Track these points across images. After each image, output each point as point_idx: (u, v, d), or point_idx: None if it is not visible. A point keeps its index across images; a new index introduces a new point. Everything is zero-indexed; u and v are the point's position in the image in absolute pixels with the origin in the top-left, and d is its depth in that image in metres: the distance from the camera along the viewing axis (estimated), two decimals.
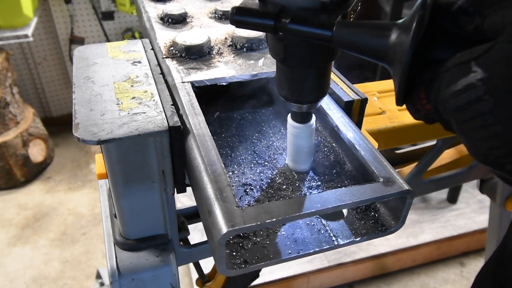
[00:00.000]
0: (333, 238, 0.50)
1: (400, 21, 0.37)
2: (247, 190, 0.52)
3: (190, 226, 0.70)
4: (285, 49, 0.44)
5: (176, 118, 0.52)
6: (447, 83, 0.33)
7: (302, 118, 0.51)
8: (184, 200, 2.04)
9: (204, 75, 0.61)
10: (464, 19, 0.34)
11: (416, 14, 0.33)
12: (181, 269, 2.09)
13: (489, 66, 0.30)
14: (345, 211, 0.54)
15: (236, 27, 0.44)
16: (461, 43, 0.34)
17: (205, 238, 0.56)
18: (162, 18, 0.76)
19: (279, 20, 0.41)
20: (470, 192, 2.46)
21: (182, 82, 0.59)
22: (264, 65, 0.64)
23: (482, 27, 0.32)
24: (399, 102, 0.38)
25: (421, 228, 2.22)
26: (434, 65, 0.35)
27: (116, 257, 0.59)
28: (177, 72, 0.61)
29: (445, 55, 0.35)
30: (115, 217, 0.61)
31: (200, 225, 0.58)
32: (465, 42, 0.34)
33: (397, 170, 0.77)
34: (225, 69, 0.63)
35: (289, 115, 0.52)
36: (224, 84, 0.61)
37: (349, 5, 0.41)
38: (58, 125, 3.15)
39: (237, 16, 0.42)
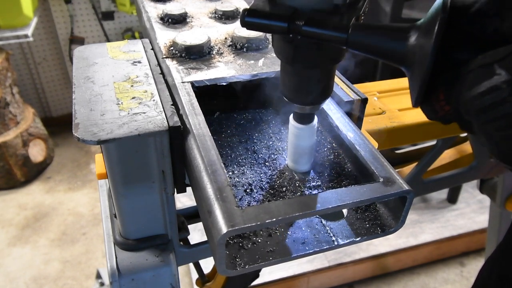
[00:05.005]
0: (333, 238, 0.50)
1: (418, 23, 0.37)
2: (247, 190, 0.52)
3: (190, 226, 0.70)
4: (294, 51, 0.44)
5: (176, 118, 0.52)
6: (469, 85, 0.33)
7: (305, 119, 0.51)
8: (184, 200, 2.03)
9: (204, 75, 0.61)
10: (483, 22, 0.34)
11: (438, 16, 0.33)
12: (181, 269, 2.09)
13: None
14: (345, 211, 0.54)
15: (248, 29, 0.43)
16: (480, 45, 0.34)
17: (205, 238, 0.56)
18: (162, 18, 0.76)
19: (293, 23, 0.40)
20: (470, 192, 2.46)
21: (182, 82, 0.59)
22: (264, 65, 0.64)
23: (502, 29, 0.33)
24: (416, 104, 0.38)
25: (421, 228, 2.22)
26: (453, 67, 0.36)
27: (116, 257, 0.59)
28: (177, 72, 0.61)
29: (464, 57, 0.35)
30: (115, 217, 0.61)
31: (200, 225, 0.58)
32: (484, 44, 0.34)
33: (397, 170, 0.77)
34: (225, 69, 0.63)
35: (291, 115, 0.52)
36: (225, 84, 0.61)
37: (361, 7, 0.41)
38: (58, 125, 3.15)
39: (249, 18, 0.42)
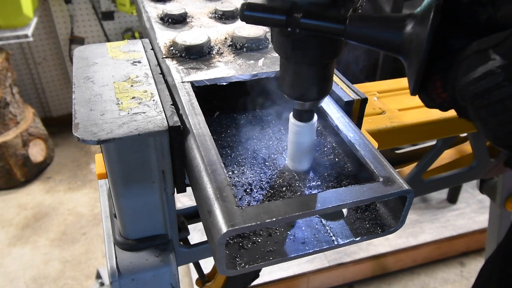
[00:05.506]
0: (333, 238, 0.50)
1: (413, 12, 0.37)
2: (247, 190, 0.52)
3: (190, 226, 0.70)
4: (292, 46, 0.44)
5: (176, 118, 0.52)
6: (465, 70, 0.33)
7: (304, 117, 0.51)
8: (184, 200, 2.04)
9: (204, 75, 0.61)
10: (477, 10, 0.35)
11: (433, 4, 0.34)
12: (181, 269, 2.09)
13: (507, 54, 0.31)
14: (345, 211, 0.54)
15: (247, 23, 0.43)
16: (475, 33, 0.35)
17: (205, 238, 0.56)
18: (162, 18, 0.76)
19: (291, 15, 0.41)
20: (470, 192, 2.46)
21: (182, 82, 0.59)
22: (264, 65, 0.64)
23: (495, 17, 0.33)
24: (414, 92, 0.39)
25: (421, 228, 2.22)
26: (449, 54, 0.36)
27: (116, 257, 0.59)
28: (177, 72, 0.61)
29: (459, 44, 0.36)
30: (115, 217, 0.61)
31: (200, 225, 0.58)
32: (478, 32, 0.35)
33: (397, 170, 0.77)
34: (225, 69, 0.63)
35: (291, 113, 0.52)
36: (224, 84, 0.61)
37: (358, 0, 0.41)
38: (58, 125, 3.15)
39: (248, 12, 0.42)
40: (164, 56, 0.65)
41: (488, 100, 0.32)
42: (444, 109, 0.39)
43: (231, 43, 0.70)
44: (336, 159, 0.57)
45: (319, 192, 0.44)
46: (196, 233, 1.90)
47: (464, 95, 0.34)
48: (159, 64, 0.64)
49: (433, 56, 0.36)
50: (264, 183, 0.54)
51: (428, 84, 0.38)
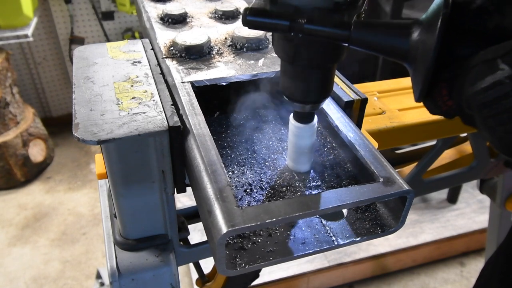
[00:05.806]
0: (333, 238, 0.50)
1: (419, 19, 0.37)
2: (247, 190, 0.52)
3: (190, 226, 0.70)
4: (294, 50, 0.44)
5: (176, 118, 0.52)
6: (473, 80, 0.33)
7: (305, 118, 0.51)
8: (184, 200, 2.03)
9: (204, 75, 0.61)
10: (484, 18, 0.35)
11: (440, 12, 0.34)
12: (181, 269, 2.09)
13: None
14: (345, 211, 0.54)
15: (249, 28, 0.43)
16: (482, 41, 0.35)
17: (205, 238, 0.56)
18: (162, 18, 0.76)
19: (294, 21, 0.40)
20: (470, 192, 2.46)
21: (182, 82, 0.59)
22: (264, 65, 0.64)
23: (503, 25, 0.33)
24: (420, 99, 0.39)
25: (421, 228, 2.22)
26: (455, 62, 0.36)
27: (116, 257, 0.59)
28: (177, 72, 0.61)
29: (466, 52, 0.36)
30: (115, 217, 0.61)
31: (200, 225, 0.58)
32: (486, 40, 0.35)
33: (397, 170, 0.77)
34: (225, 69, 0.63)
35: (291, 115, 0.52)
36: (224, 84, 0.61)
37: (361, 5, 0.41)
38: (58, 125, 3.15)
39: (251, 17, 0.42)
40: (164, 56, 0.65)
41: (496, 110, 0.32)
42: (449, 116, 0.39)
43: (231, 43, 0.70)
44: (336, 160, 0.57)
45: (319, 192, 0.44)
46: (196, 233, 1.90)
47: (472, 104, 0.34)
48: (159, 64, 0.64)
49: (439, 64, 0.36)
50: (264, 183, 0.54)
51: (434, 91, 0.38)
